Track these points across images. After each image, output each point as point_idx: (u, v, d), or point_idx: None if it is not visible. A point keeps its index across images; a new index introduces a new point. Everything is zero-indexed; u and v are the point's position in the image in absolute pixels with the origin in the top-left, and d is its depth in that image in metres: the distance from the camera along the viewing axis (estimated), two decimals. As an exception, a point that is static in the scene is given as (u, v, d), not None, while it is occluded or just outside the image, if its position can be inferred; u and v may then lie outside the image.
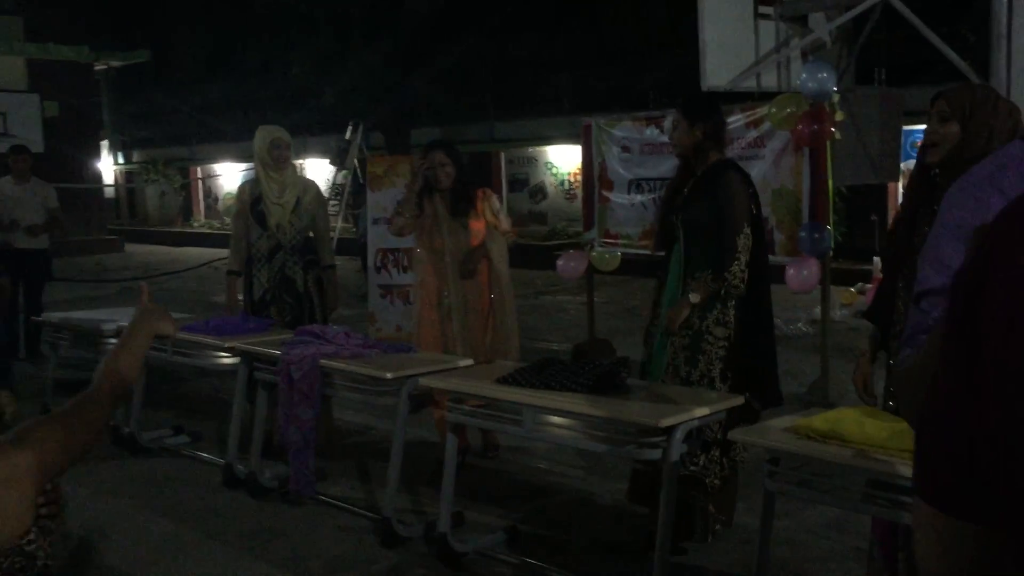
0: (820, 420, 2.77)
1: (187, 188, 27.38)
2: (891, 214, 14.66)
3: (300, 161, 16.52)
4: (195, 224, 26.68)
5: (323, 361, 4.18)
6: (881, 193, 13.78)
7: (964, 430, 0.88)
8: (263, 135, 5.31)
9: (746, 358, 3.80)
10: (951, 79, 11.10)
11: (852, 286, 11.31)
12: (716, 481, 3.83)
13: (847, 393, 6.45)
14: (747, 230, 3.72)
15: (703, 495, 3.83)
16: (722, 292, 3.72)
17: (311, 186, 5.55)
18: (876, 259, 12.52)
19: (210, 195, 27.53)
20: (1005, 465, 0.84)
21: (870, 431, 2.66)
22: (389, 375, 3.97)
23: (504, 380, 3.54)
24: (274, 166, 5.23)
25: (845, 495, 2.66)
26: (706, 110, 3.90)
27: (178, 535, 4.25)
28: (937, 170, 2.90)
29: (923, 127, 10.56)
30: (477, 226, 4.86)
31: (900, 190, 14.58)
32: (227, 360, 4.81)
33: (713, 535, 3.91)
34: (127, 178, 29.13)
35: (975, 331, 0.88)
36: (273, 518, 4.39)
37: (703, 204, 3.80)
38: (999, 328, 0.86)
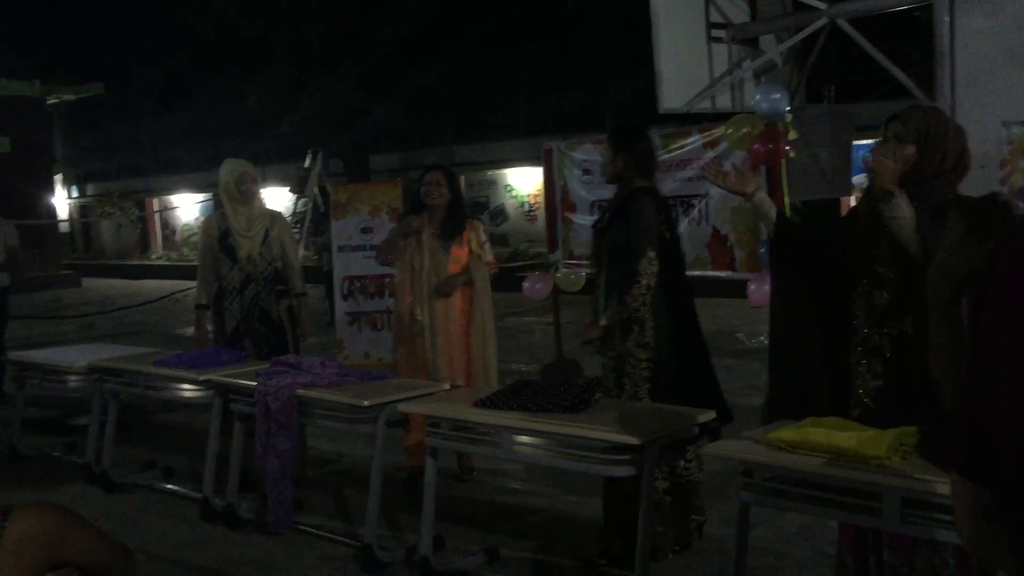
0: (790, 431, 2.87)
1: (143, 220, 27.14)
2: (845, 227, 14.97)
3: (260, 190, 16.45)
4: (153, 256, 26.44)
5: (300, 391, 4.22)
6: (835, 207, 14.07)
7: (970, 405, 1.02)
8: (230, 169, 5.33)
9: (680, 377, 3.90)
10: (898, 96, 11.43)
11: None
12: (667, 497, 3.93)
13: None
14: (651, 255, 3.85)
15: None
16: (624, 316, 3.85)
17: (278, 217, 5.59)
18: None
19: (167, 227, 27.31)
20: (994, 434, 0.96)
21: (838, 440, 2.77)
22: (366, 403, 4.01)
23: (482, 403, 3.61)
24: (241, 200, 5.27)
25: (817, 503, 2.77)
26: (628, 140, 4.06)
27: (158, 571, 4.24)
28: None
29: (872, 142, 10.82)
30: (459, 252, 4.97)
31: (852, 204, 14.92)
32: (202, 393, 4.82)
33: (665, 556, 3.96)
34: (82, 212, 28.80)
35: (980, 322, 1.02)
36: (252, 550, 4.40)
37: (619, 228, 3.97)
38: (992, 313, 0.98)
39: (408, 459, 5.13)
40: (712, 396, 3.89)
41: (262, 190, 5.60)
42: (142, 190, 27.25)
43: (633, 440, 3.08)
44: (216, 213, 5.51)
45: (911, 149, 2.97)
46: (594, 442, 3.18)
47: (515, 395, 3.62)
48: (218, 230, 5.32)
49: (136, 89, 23.04)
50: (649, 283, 3.83)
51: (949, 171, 2.95)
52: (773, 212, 3.27)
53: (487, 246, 5.12)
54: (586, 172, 7.43)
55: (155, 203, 27.33)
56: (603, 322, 3.90)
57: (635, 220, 3.89)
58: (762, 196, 3.27)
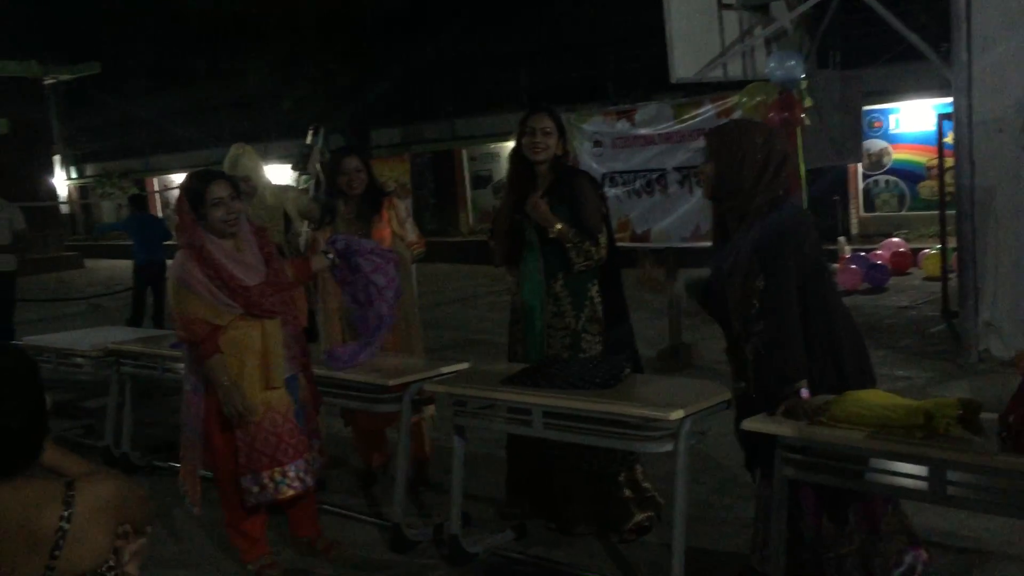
0: (832, 405, 2.84)
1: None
2: (852, 194, 14.90)
3: (259, 176, 16.51)
4: (154, 236, 26.30)
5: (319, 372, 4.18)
6: (842, 174, 13.99)
7: None
8: (226, 165, 5.20)
9: (613, 341, 3.99)
10: (908, 59, 11.25)
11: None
12: (622, 468, 4.00)
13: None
14: (605, 229, 3.97)
15: (616, 488, 4.01)
16: (579, 260, 3.87)
17: (285, 190, 5.51)
18: (841, 239, 12.74)
19: (167, 206, 27.17)
20: None
21: (879, 413, 2.73)
22: (391, 382, 3.98)
23: (511, 381, 3.58)
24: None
25: (858, 477, 2.75)
26: (561, 122, 4.11)
27: (184, 553, 4.24)
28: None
29: (880, 107, 10.91)
30: (380, 235, 4.66)
31: (860, 171, 14.84)
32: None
33: (644, 526, 4.00)
34: (81, 193, 28.66)
35: None
36: (278, 529, 4.38)
37: (560, 207, 3.94)
38: None
39: (358, 452, 5.04)
40: (633, 355, 4.00)
41: (265, 167, 5.45)
42: (141, 170, 27.08)
43: (670, 415, 3.06)
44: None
45: (710, 166, 3.11)
46: (630, 419, 3.16)
47: (543, 372, 3.58)
48: None
49: (132, 67, 22.88)
50: (604, 253, 3.93)
51: (749, 188, 3.03)
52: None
53: (409, 224, 4.78)
54: (597, 144, 7.36)
55: (154, 182, 27.19)
56: (551, 230, 3.87)
57: (586, 200, 3.94)
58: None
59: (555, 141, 3.99)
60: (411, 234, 4.77)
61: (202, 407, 3.73)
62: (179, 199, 3.72)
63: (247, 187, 5.14)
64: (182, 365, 4.99)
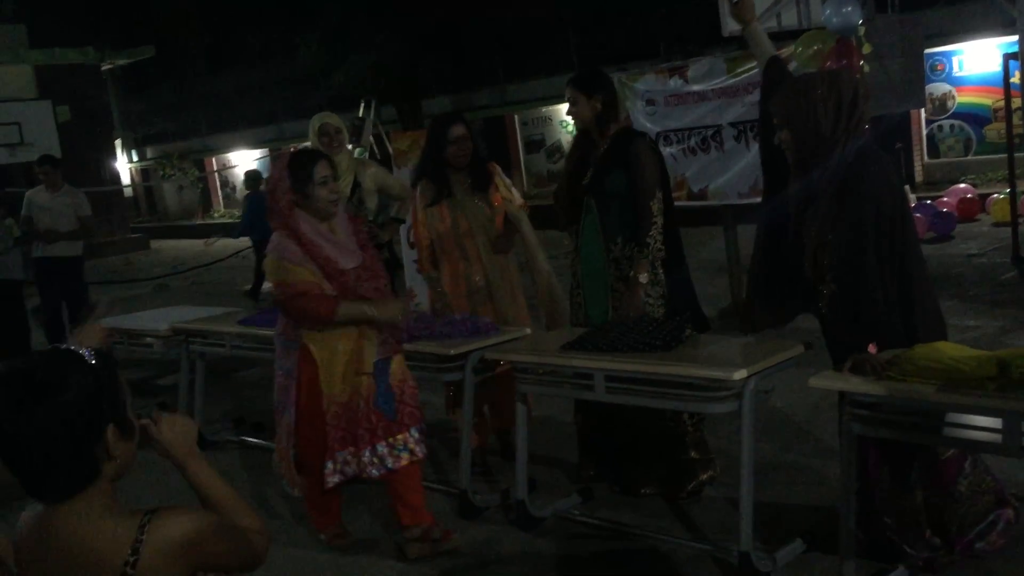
0: (900, 359, 2.79)
1: (204, 180, 27.48)
2: (915, 141, 14.50)
3: (345, 139, 16.66)
4: (216, 215, 26.80)
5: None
6: (904, 120, 13.61)
7: None
8: (312, 123, 5.26)
9: (675, 302, 3.96)
10: (971, -1, 10.74)
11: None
12: (689, 428, 4.02)
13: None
14: (659, 194, 3.90)
15: (682, 448, 4.02)
16: (648, 257, 3.86)
17: (366, 163, 5.56)
18: (905, 187, 12.42)
19: (227, 184, 27.61)
20: None
21: (949, 365, 2.67)
22: (452, 351, 4.00)
23: (570, 346, 3.58)
24: (327, 152, 5.22)
25: (931, 431, 2.70)
26: (600, 82, 4.05)
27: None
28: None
29: (942, 49, 10.56)
30: (498, 201, 4.51)
31: (923, 116, 14.40)
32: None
33: (704, 485, 4.01)
34: (143, 175, 29.25)
35: None
36: (348, 498, 4.46)
37: (616, 173, 3.92)
38: None
39: (453, 421, 4.88)
40: (695, 310, 3.99)
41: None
42: (200, 150, 27.53)
43: (733, 375, 3.03)
44: None
45: (786, 134, 3.03)
46: (693, 380, 3.14)
47: (603, 336, 3.58)
48: None
49: (186, 49, 23.19)
50: (662, 222, 3.89)
51: (829, 138, 2.95)
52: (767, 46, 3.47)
53: (513, 188, 4.61)
54: (649, 103, 7.26)
55: (213, 162, 27.62)
56: (643, 280, 3.87)
57: (637, 163, 3.89)
58: (757, 27, 3.48)
59: (583, 108, 3.99)
60: (517, 196, 4.60)
61: (293, 393, 3.69)
62: (277, 180, 3.54)
63: (338, 137, 5.14)
64: (243, 341, 5.12)
